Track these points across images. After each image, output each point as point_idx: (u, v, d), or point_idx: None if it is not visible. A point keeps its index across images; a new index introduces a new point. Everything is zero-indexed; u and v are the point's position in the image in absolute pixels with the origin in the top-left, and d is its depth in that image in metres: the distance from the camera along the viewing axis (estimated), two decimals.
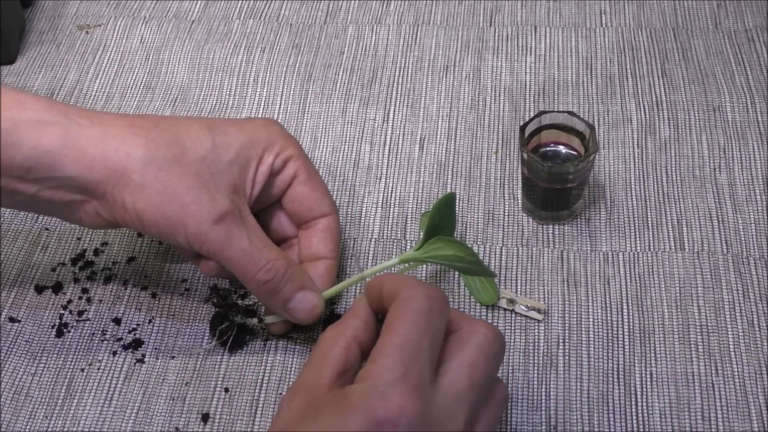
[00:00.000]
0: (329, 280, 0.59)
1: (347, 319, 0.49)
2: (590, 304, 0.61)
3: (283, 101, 0.76)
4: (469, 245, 0.65)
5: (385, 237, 0.66)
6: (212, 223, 0.54)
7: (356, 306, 0.50)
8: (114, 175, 0.53)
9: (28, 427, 0.57)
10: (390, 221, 0.67)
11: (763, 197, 0.67)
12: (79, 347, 0.60)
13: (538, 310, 0.61)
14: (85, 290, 0.63)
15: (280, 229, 0.62)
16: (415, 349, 0.45)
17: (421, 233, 0.64)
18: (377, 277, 0.50)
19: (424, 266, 0.64)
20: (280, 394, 0.58)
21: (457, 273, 0.63)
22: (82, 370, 0.59)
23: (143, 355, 0.60)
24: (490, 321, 0.60)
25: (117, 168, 0.53)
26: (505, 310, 0.61)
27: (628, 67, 0.77)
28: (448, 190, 0.68)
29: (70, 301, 0.63)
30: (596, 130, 0.65)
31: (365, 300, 0.50)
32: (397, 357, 0.44)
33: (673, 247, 0.64)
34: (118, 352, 0.60)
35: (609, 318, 0.60)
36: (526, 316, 0.61)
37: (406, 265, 0.61)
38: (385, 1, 0.84)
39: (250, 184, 0.58)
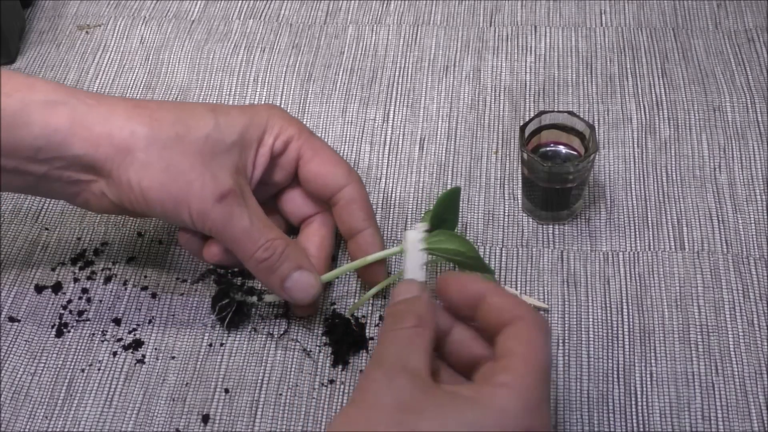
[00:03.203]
0: (374, 246, 0.60)
1: (428, 312, 0.50)
2: (590, 304, 0.61)
3: (283, 101, 0.76)
4: None
5: (385, 237, 0.66)
6: (215, 201, 0.55)
7: (435, 309, 0.51)
8: (120, 153, 0.54)
9: (28, 427, 0.57)
10: (390, 221, 0.67)
11: (763, 197, 0.67)
12: (79, 347, 0.60)
13: (539, 310, 0.61)
14: (85, 290, 0.63)
15: (297, 209, 0.63)
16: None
17: None
18: (475, 281, 0.50)
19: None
20: (281, 394, 0.58)
21: (457, 269, 0.63)
22: (82, 370, 0.59)
23: (143, 356, 0.60)
24: None
25: (122, 146, 0.54)
26: None
27: (628, 67, 0.77)
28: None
29: (70, 301, 0.63)
30: (596, 130, 0.65)
31: (434, 304, 0.51)
32: (539, 377, 0.46)
33: (673, 247, 0.64)
34: (118, 353, 0.60)
35: (609, 318, 0.60)
36: None
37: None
38: (385, 1, 0.84)
39: (251, 165, 0.59)
